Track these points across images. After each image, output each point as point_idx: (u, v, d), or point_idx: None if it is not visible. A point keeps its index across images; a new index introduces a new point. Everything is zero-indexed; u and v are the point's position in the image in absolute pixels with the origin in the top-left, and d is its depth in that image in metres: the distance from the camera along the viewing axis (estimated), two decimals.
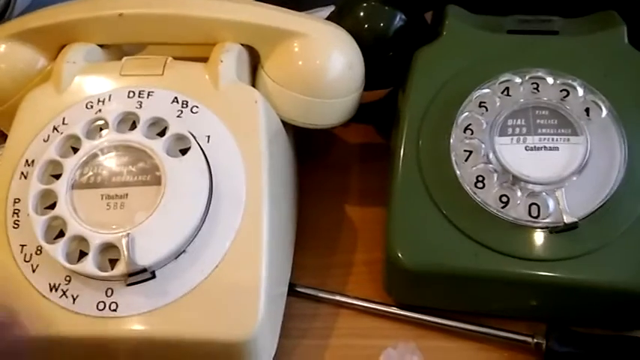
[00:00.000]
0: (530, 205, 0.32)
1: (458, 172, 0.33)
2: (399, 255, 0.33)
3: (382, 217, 0.35)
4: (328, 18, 0.44)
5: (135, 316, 0.29)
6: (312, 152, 0.46)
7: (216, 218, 0.31)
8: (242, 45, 0.37)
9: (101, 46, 0.37)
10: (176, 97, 0.34)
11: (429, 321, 0.34)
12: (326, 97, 0.37)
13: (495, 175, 0.33)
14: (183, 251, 0.30)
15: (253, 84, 0.37)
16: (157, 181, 0.30)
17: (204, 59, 0.35)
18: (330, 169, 0.45)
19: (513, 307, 0.33)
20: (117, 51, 0.38)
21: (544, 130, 0.33)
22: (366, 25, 0.41)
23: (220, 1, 0.37)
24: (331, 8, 0.45)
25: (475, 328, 0.33)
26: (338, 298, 0.36)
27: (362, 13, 0.41)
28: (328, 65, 0.37)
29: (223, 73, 0.34)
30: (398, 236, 0.33)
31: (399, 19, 0.41)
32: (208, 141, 0.32)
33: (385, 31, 0.41)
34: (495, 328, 0.33)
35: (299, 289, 0.36)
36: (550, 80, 0.34)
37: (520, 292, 0.32)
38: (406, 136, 0.35)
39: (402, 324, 0.35)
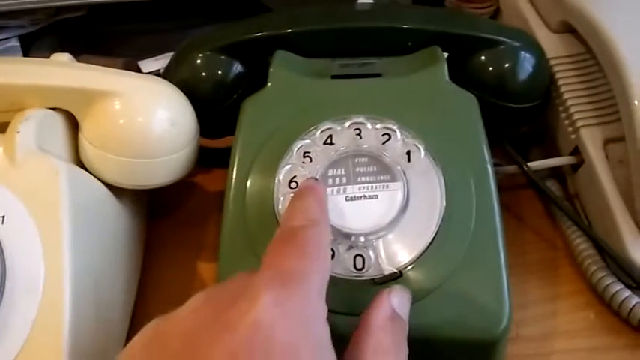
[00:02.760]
0: (355, 257, 0.31)
1: None
2: None
3: None
4: (165, 68, 0.42)
5: None
6: (165, 205, 0.44)
7: (11, 309, 0.28)
8: (55, 109, 0.34)
9: None
10: None
11: None
12: (149, 157, 0.35)
13: None
14: None
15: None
16: None
17: None
18: (185, 222, 0.43)
19: None
20: None
21: (363, 179, 0.32)
22: (201, 74, 0.40)
23: (22, 64, 0.35)
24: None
25: None
26: None
27: (196, 63, 0.40)
28: (146, 123, 0.35)
29: (20, 144, 0.31)
30: None
31: (235, 67, 0.40)
32: (3, 222, 0.30)
33: (221, 80, 0.40)
34: None
35: None
36: (369, 126, 0.33)
37: None
38: (232, 195, 0.33)
39: None
